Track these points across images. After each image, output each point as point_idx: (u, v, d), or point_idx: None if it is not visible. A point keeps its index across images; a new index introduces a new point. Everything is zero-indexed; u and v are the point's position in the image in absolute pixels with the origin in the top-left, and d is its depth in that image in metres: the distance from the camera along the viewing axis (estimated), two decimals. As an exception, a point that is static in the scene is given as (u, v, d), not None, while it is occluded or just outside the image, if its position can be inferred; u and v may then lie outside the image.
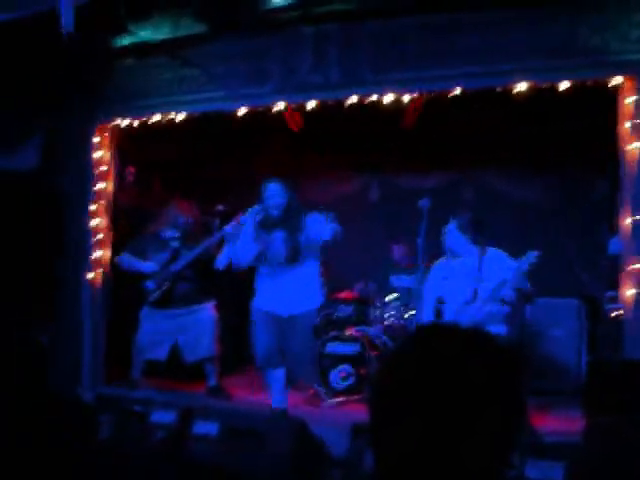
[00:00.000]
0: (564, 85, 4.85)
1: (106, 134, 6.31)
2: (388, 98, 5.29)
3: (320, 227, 4.85)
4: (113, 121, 6.28)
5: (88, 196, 6.19)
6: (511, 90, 4.96)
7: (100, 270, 6.25)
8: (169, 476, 2.06)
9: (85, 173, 6.22)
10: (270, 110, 5.79)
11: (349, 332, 6.08)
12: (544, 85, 4.95)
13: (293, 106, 5.90)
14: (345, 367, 5.82)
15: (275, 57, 5.53)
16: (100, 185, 6.25)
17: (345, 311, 6.75)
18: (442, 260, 5.31)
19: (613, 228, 5.31)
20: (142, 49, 5.84)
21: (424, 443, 1.05)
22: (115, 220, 6.41)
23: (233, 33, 5.64)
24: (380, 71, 5.24)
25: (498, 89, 5.01)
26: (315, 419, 3.44)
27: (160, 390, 6.01)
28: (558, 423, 4.93)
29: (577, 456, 2.54)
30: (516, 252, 5.03)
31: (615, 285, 4.87)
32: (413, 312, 6.06)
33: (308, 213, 5.03)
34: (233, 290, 7.06)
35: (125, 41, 5.76)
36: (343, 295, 6.83)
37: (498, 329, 4.98)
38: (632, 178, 4.69)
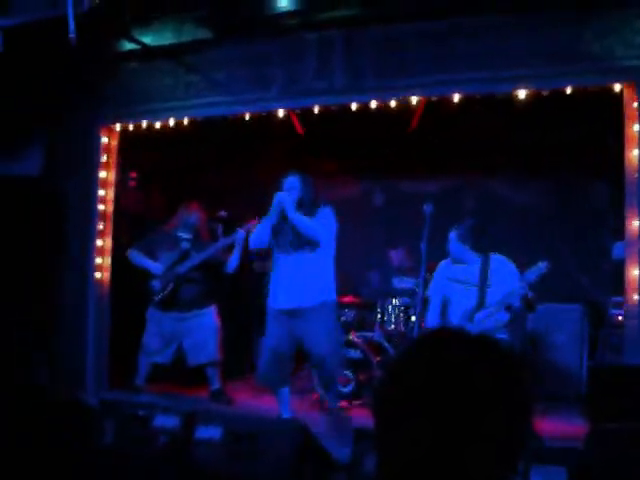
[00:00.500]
0: (566, 91, 4.86)
1: (109, 139, 6.33)
2: (391, 103, 5.32)
3: (328, 221, 4.93)
4: (116, 126, 6.31)
5: (91, 200, 6.21)
6: (513, 96, 4.98)
7: (103, 275, 6.27)
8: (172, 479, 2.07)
9: (88, 177, 6.24)
10: (273, 115, 5.82)
11: (350, 337, 6.08)
12: (546, 91, 4.96)
13: (297, 111, 5.93)
14: (346, 373, 5.82)
15: (278, 63, 5.55)
16: (102, 190, 6.27)
17: (348, 316, 6.76)
18: (446, 261, 5.35)
19: (615, 233, 5.32)
20: (146, 54, 5.87)
21: (429, 449, 1.05)
22: (116, 225, 6.42)
23: (237, 39, 5.66)
24: (383, 77, 5.25)
25: (500, 95, 5.03)
26: (318, 423, 3.45)
27: (163, 395, 6.02)
28: (560, 428, 4.93)
29: (579, 461, 2.54)
30: (519, 257, 5.06)
31: (620, 290, 4.87)
32: (414, 318, 6.06)
33: (322, 207, 5.05)
34: (236, 295, 7.08)
35: (129, 46, 5.79)
36: (346, 299, 6.82)
37: (500, 335, 5.01)
38: (636, 183, 4.68)
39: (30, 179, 6.23)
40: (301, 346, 5.00)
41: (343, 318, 6.67)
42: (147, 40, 5.71)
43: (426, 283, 5.23)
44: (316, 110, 5.59)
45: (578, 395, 5.83)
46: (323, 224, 4.95)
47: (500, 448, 1.06)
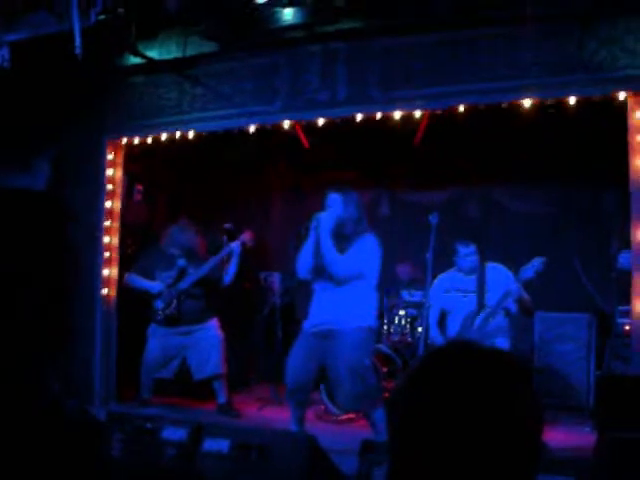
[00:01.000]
0: (571, 100, 4.87)
1: (115, 152, 6.36)
2: (396, 115, 5.33)
3: (368, 252, 4.60)
4: (122, 139, 6.34)
5: (98, 213, 6.23)
6: (518, 106, 4.99)
7: (110, 288, 6.28)
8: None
9: (94, 191, 6.26)
10: (278, 128, 5.84)
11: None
12: (551, 101, 4.97)
13: (302, 123, 5.95)
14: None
15: (283, 75, 5.57)
16: (109, 202, 6.29)
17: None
18: (445, 273, 5.58)
19: (622, 242, 5.32)
20: (151, 68, 5.90)
21: (443, 463, 1.05)
22: (123, 238, 6.44)
23: (241, 51, 5.69)
24: (387, 88, 5.27)
25: (505, 105, 5.03)
26: (325, 435, 3.44)
27: (170, 407, 6.02)
28: (568, 438, 4.92)
29: (588, 472, 2.53)
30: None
31: (627, 299, 4.86)
32: (420, 329, 6.07)
33: (364, 235, 4.66)
34: (237, 307, 7.09)
35: (134, 60, 5.82)
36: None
37: (502, 342, 5.16)
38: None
39: (36, 192, 6.23)
40: (324, 367, 4.75)
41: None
42: (152, 54, 5.75)
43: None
44: (321, 122, 5.61)
45: (586, 405, 5.81)
46: (360, 258, 4.59)
47: (514, 461, 1.06)
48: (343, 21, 5.21)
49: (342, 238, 4.62)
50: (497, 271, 5.42)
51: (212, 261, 5.95)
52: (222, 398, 5.95)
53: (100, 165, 6.27)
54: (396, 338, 6.48)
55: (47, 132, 6.29)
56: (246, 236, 6.03)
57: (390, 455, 1.13)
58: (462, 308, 5.40)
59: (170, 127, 6.05)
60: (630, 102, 4.75)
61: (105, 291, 6.23)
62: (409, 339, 6.44)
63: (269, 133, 5.98)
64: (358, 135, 6.11)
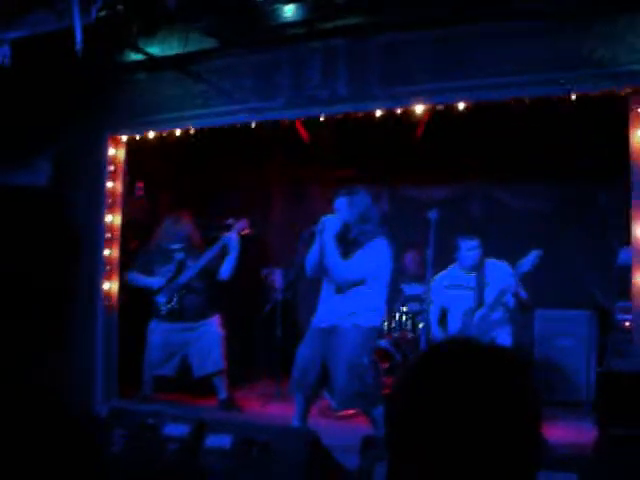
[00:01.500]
0: (572, 97, 4.86)
1: (116, 149, 6.36)
2: (396, 111, 5.33)
3: (377, 257, 4.60)
4: (123, 135, 6.34)
5: (99, 210, 6.24)
6: (518, 102, 4.98)
7: (112, 284, 6.29)
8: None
9: (96, 187, 6.26)
10: (279, 124, 5.84)
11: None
12: (552, 97, 4.96)
13: (303, 119, 5.95)
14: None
15: (284, 72, 5.57)
16: (110, 199, 6.30)
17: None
18: (446, 270, 5.63)
19: (622, 239, 5.32)
20: (152, 64, 5.89)
21: (443, 460, 1.05)
22: (124, 235, 6.45)
23: (242, 48, 5.69)
24: (388, 85, 5.26)
25: (505, 101, 5.03)
26: (327, 431, 3.45)
27: (172, 404, 6.03)
28: (568, 434, 4.92)
29: (589, 468, 2.54)
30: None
31: (626, 295, 4.87)
32: (422, 325, 6.08)
33: (375, 239, 4.63)
34: (238, 302, 7.08)
35: (135, 56, 5.82)
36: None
37: (503, 338, 5.20)
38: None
39: (38, 189, 6.26)
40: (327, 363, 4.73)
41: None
42: (153, 50, 5.74)
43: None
44: (322, 118, 5.61)
45: (586, 401, 5.82)
46: (364, 264, 4.58)
47: (513, 456, 1.07)
48: (344, 18, 5.20)
49: (349, 242, 4.62)
50: (497, 267, 5.47)
51: (210, 252, 5.94)
52: (223, 394, 5.97)
53: (101, 162, 6.27)
54: (397, 334, 6.48)
55: (48, 129, 6.28)
56: (241, 225, 5.95)
57: (388, 451, 1.13)
58: (462, 305, 5.46)
59: (171, 123, 6.05)
60: (632, 97, 4.74)
61: (106, 287, 6.24)
62: (410, 335, 6.44)
63: (269, 128, 5.97)
64: (358, 130, 6.11)
